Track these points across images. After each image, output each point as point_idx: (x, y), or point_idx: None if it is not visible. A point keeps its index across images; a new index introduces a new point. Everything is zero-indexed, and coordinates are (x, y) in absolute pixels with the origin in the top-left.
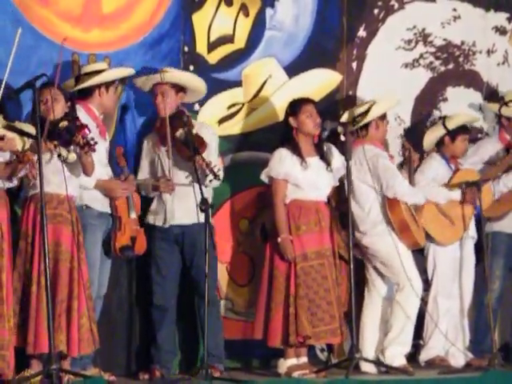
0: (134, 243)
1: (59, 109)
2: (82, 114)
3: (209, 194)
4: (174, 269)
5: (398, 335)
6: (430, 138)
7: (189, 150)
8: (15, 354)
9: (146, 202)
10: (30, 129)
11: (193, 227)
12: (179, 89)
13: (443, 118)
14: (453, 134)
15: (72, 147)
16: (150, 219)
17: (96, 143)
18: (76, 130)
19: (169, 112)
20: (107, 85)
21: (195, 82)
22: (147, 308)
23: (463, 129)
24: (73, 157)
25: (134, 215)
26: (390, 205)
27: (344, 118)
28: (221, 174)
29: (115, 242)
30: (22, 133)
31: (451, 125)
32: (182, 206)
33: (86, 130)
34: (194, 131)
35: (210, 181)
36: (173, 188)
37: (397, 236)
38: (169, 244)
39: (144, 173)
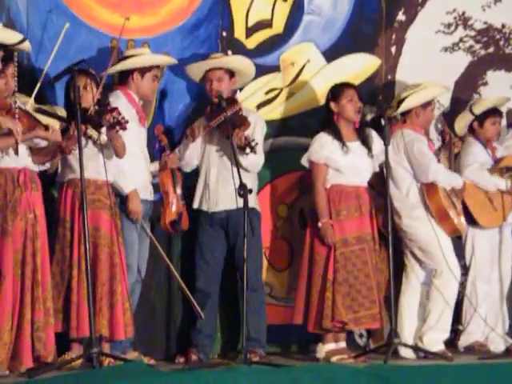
0: (181, 219)
1: (90, 97)
2: (121, 100)
3: (253, 178)
4: (218, 254)
5: (437, 321)
6: (460, 124)
7: (230, 127)
8: (56, 338)
9: (191, 188)
10: (61, 112)
11: (237, 212)
12: (232, 74)
13: (470, 104)
14: (480, 118)
15: (105, 130)
16: (196, 204)
17: (127, 122)
18: (106, 112)
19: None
20: (142, 71)
21: (249, 67)
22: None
23: (492, 112)
24: (103, 138)
25: (179, 190)
26: (427, 192)
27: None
28: (259, 150)
29: (165, 216)
30: (52, 116)
31: (477, 110)
32: (225, 191)
33: (116, 112)
34: (241, 113)
35: (247, 154)
36: (195, 135)
37: (436, 223)
38: (214, 229)
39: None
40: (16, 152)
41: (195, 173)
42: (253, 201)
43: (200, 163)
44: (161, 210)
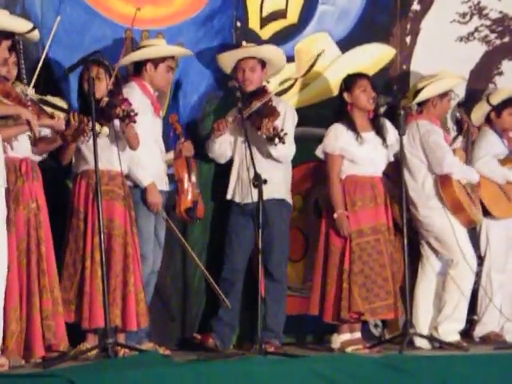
0: (196, 207)
1: (102, 87)
2: (136, 92)
3: (286, 169)
4: (246, 244)
5: (452, 312)
6: (477, 115)
7: (259, 118)
8: (72, 329)
9: (225, 179)
10: (62, 103)
11: (265, 203)
12: (263, 64)
13: (487, 95)
14: (498, 108)
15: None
16: (229, 195)
17: (136, 114)
18: (116, 104)
19: (254, 87)
20: (156, 62)
21: (281, 57)
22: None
23: (510, 102)
24: (105, 131)
25: (194, 178)
26: (442, 184)
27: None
28: (289, 139)
29: (180, 204)
30: (53, 107)
31: (494, 100)
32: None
33: (126, 104)
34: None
35: (275, 144)
36: (221, 130)
37: (452, 215)
38: (246, 219)
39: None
40: (35, 144)
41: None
42: (283, 192)
43: (233, 154)
44: (176, 198)
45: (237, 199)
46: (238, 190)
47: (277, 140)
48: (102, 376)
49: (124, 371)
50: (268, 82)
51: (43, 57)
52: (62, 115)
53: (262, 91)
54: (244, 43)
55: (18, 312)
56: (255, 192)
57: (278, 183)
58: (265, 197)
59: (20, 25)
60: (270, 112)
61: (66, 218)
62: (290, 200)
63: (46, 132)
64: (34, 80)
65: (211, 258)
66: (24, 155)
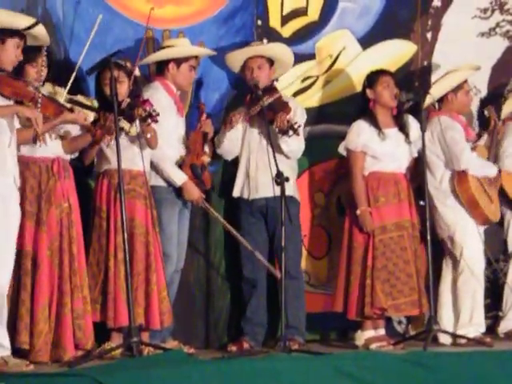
0: (202, 169)
1: (123, 90)
2: (160, 91)
3: (293, 166)
4: (262, 241)
5: (470, 319)
6: (506, 111)
7: (272, 112)
8: (96, 327)
9: (232, 176)
10: (93, 103)
11: (275, 200)
12: (272, 63)
13: (510, 90)
14: None
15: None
16: (236, 192)
17: (158, 114)
18: (138, 104)
19: (263, 85)
20: (178, 61)
21: (289, 55)
22: (230, 281)
23: None
24: (134, 130)
25: (206, 149)
26: (458, 180)
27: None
28: (301, 132)
29: (186, 160)
30: (84, 106)
31: None
32: (265, 179)
33: (148, 104)
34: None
35: (290, 136)
36: (233, 123)
37: (467, 212)
38: (255, 217)
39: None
40: (34, 141)
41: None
42: (291, 189)
43: (240, 151)
44: (183, 158)
45: (245, 196)
46: (246, 186)
47: (291, 132)
48: (127, 375)
49: (149, 370)
50: (277, 81)
51: (80, 61)
52: (90, 116)
53: (271, 88)
54: (265, 41)
55: (47, 311)
56: (263, 188)
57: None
58: (272, 193)
59: (19, 20)
60: (283, 107)
61: (89, 218)
62: (297, 197)
63: (75, 130)
64: (69, 84)
65: (233, 257)
66: (55, 155)
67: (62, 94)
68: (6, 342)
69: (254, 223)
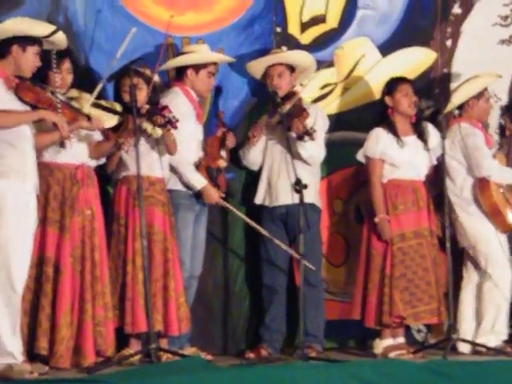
0: (218, 176)
1: (142, 97)
2: (180, 97)
3: (314, 173)
4: (280, 248)
5: (492, 326)
6: None
7: (291, 119)
8: (115, 333)
9: (253, 184)
10: (117, 107)
11: (296, 207)
12: (292, 69)
13: None
14: None
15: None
16: (258, 200)
17: (177, 120)
18: (157, 111)
19: (284, 93)
20: (197, 68)
21: (310, 62)
22: (249, 287)
23: None
24: (159, 132)
25: (223, 153)
26: (480, 187)
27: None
28: (319, 142)
29: (202, 162)
30: (108, 110)
31: None
32: (285, 186)
33: (167, 110)
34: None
35: (305, 141)
36: (255, 136)
37: (489, 219)
38: (276, 224)
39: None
40: (61, 146)
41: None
42: (312, 196)
43: (263, 159)
44: (199, 160)
45: (266, 203)
46: (268, 194)
47: (306, 137)
48: (146, 381)
49: (167, 376)
50: (301, 85)
51: (109, 69)
52: (114, 120)
53: (290, 95)
54: (284, 48)
55: (69, 318)
56: (284, 195)
57: (308, 187)
58: (292, 200)
59: (40, 28)
60: (299, 112)
61: (107, 224)
62: (319, 204)
63: (99, 136)
64: (95, 92)
65: (252, 264)
66: (80, 161)
67: (88, 100)
68: (16, 351)
69: (275, 231)
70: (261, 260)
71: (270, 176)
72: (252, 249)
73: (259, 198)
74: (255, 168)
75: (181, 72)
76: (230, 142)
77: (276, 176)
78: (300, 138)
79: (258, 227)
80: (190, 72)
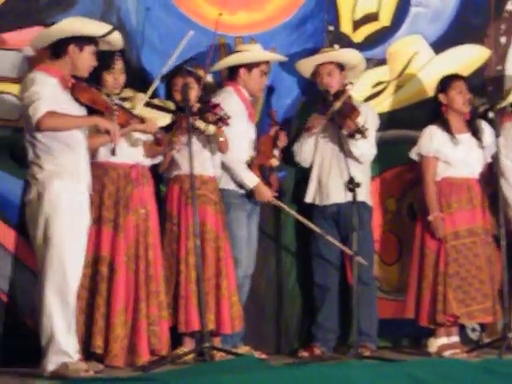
0: (271, 174)
1: (193, 95)
2: (233, 97)
3: (365, 171)
4: (334, 247)
5: None
6: None
7: (341, 117)
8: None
9: (303, 182)
10: (170, 105)
11: (347, 205)
12: (342, 68)
13: None
14: None
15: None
16: (308, 198)
17: (229, 117)
18: (208, 109)
19: (334, 91)
20: (249, 67)
21: (360, 60)
22: (302, 286)
23: None
24: (211, 129)
25: (276, 152)
26: None
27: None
28: (371, 140)
29: (255, 161)
30: (162, 109)
31: None
32: (337, 184)
33: (218, 108)
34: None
35: (357, 139)
36: (314, 126)
37: None
38: (327, 222)
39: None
40: (113, 153)
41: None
42: (364, 195)
43: (313, 157)
44: (252, 158)
45: (317, 202)
46: (318, 192)
47: (358, 135)
48: (199, 380)
49: (220, 375)
50: (352, 84)
51: (164, 69)
52: (167, 119)
53: (341, 93)
54: (336, 47)
55: (124, 317)
56: (335, 193)
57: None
58: (343, 199)
59: (97, 28)
60: (351, 110)
61: (160, 223)
62: (370, 202)
63: (150, 137)
64: (149, 92)
65: (304, 263)
66: (134, 161)
67: (142, 99)
68: (71, 350)
69: (327, 229)
70: (312, 258)
71: (320, 174)
72: (304, 247)
73: (309, 197)
74: (306, 165)
75: (233, 71)
76: (282, 141)
77: (326, 174)
78: (352, 136)
79: (310, 225)
80: (242, 71)
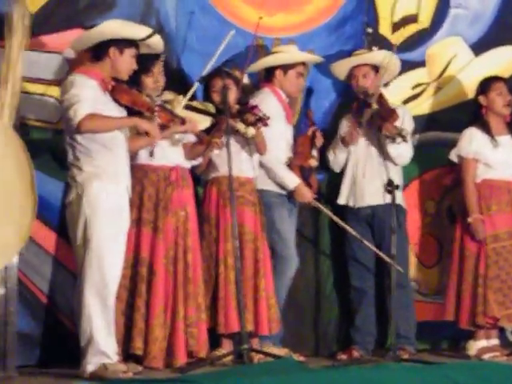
0: (310, 175)
1: (232, 97)
2: (271, 98)
3: (398, 173)
4: (369, 251)
5: None
6: None
7: (380, 120)
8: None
9: (336, 184)
10: (210, 108)
11: (382, 207)
12: (377, 70)
13: None
14: None
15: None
16: (342, 200)
17: (268, 118)
18: (247, 110)
19: (371, 92)
20: (285, 68)
21: (394, 62)
22: (340, 289)
23: None
24: (251, 132)
25: (315, 153)
26: None
27: None
28: (409, 138)
29: (294, 162)
30: (202, 112)
31: None
32: (371, 186)
33: (257, 109)
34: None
35: (398, 143)
36: (354, 138)
37: None
38: (361, 225)
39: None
40: (151, 155)
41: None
42: (399, 197)
43: (347, 159)
44: (291, 159)
45: (349, 203)
46: (352, 194)
47: (399, 139)
48: (237, 382)
49: (259, 377)
50: (386, 85)
51: (205, 71)
52: (207, 122)
53: (378, 95)
54: (374, 49)
55: (162, 318)
56: (370, 196)
57: None
58: (379, 202)
59: (137, 31)
60: (390, 113)
61: (198, 225)
62: (404, 205)
63: (193, 137)
64: (190, 93)
65: (342, 266)
66: (174, 163)
67: (182, 102)
68: (110, 351)
69: (360, 232)
70: (348, 261)
71: (354, 176)
72: (342, 250)
73: (343, 199)
74: (338, 170)
75: (270, 73)
76: (319, 140)
77: (361, 176)
78: (393, 139)
79: (348, 229)
80: (278, 72)
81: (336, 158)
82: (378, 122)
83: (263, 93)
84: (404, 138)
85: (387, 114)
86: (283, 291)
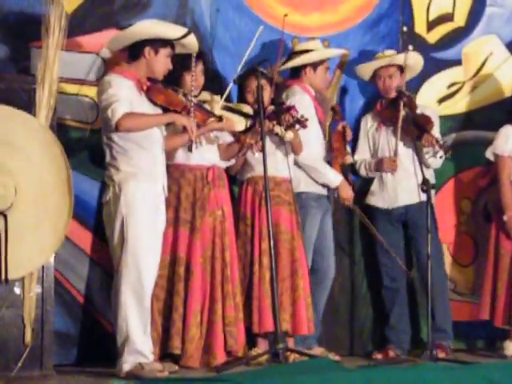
0: (347, 173)
1: (267, 97)
2: (305, 96)
3: (430, 174)
4: (400, 249)
5: None
6: None
7: (417, 128)
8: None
9: (365, 184)
10: (247, 109)
11: (414, 206)
12: (402, 70)
13: None
14: None
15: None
16: (372, 200)
17: (307, 119)
18: (283, 111)
19: (394, 94)
20: (314, 65)
21: (418, 61)
22: (375, 289)
23: None
24: (290, 135)
25: (348, 149)
26: None
27: None
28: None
29: (331, 159)
30: (239, 113)
31: None
32: (403, 187)
33: (294, 110)
34: (418, 111)
35: (441, 157)
36: (395, 168)
37: None
38: (394, 225)
39: (362, 152)
40: (190, 149)
41: None
42: (432, 196)
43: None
44: (329, 157)
45: (380, 205)
46: (382, 195)
47: (441, 152)
48: (273, 381)
49: (295, 376)
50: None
51: (239, 70)
52: (243, 123)
53: (402, 97)
54: (410, 47)
55: (199, 318)
56: (403, 196)
57: None
58: (411, 200)
59: (173, 31)
60: (426, 122)
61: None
62: (433, 204)
63: (230, 138)
64: (226, 93)
65: (377, 266)
66: (211, 163)
67: (218, 102)
68: (146, 350)
69: (392, 232)
70: (379, 261)
71: (384, 176)
72: (378, 251)
73: (372, 199)
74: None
75: (297, 70)
76: (349, 135)
77: (391, 176)
78: (435, 152)
79: (375, 231)
80: (308, 70)
81: (367, 174)
82: (414, 129)
83: (296, 91)
84: (446, 152)
85: (423, 121)
86: (322, 300)
